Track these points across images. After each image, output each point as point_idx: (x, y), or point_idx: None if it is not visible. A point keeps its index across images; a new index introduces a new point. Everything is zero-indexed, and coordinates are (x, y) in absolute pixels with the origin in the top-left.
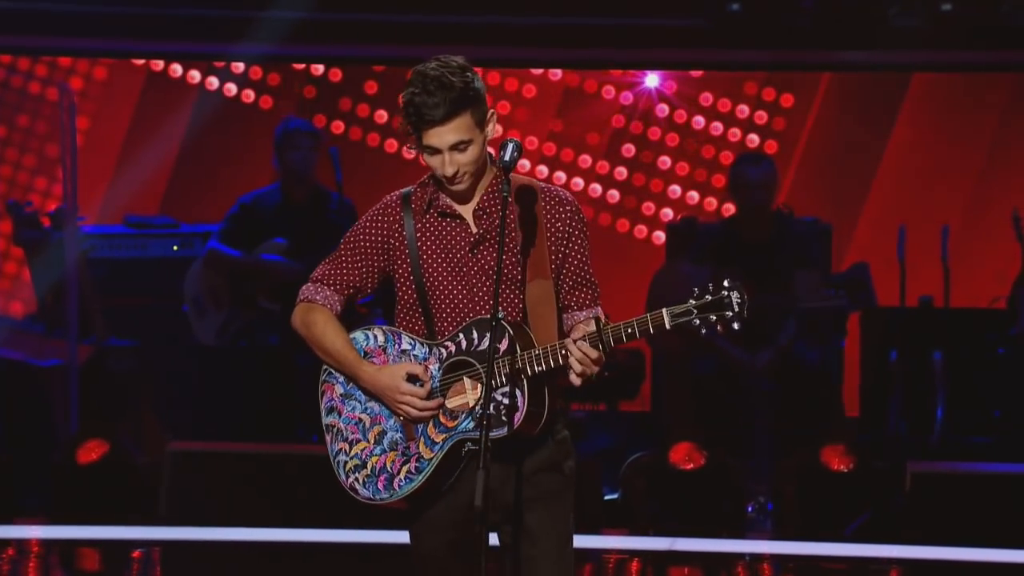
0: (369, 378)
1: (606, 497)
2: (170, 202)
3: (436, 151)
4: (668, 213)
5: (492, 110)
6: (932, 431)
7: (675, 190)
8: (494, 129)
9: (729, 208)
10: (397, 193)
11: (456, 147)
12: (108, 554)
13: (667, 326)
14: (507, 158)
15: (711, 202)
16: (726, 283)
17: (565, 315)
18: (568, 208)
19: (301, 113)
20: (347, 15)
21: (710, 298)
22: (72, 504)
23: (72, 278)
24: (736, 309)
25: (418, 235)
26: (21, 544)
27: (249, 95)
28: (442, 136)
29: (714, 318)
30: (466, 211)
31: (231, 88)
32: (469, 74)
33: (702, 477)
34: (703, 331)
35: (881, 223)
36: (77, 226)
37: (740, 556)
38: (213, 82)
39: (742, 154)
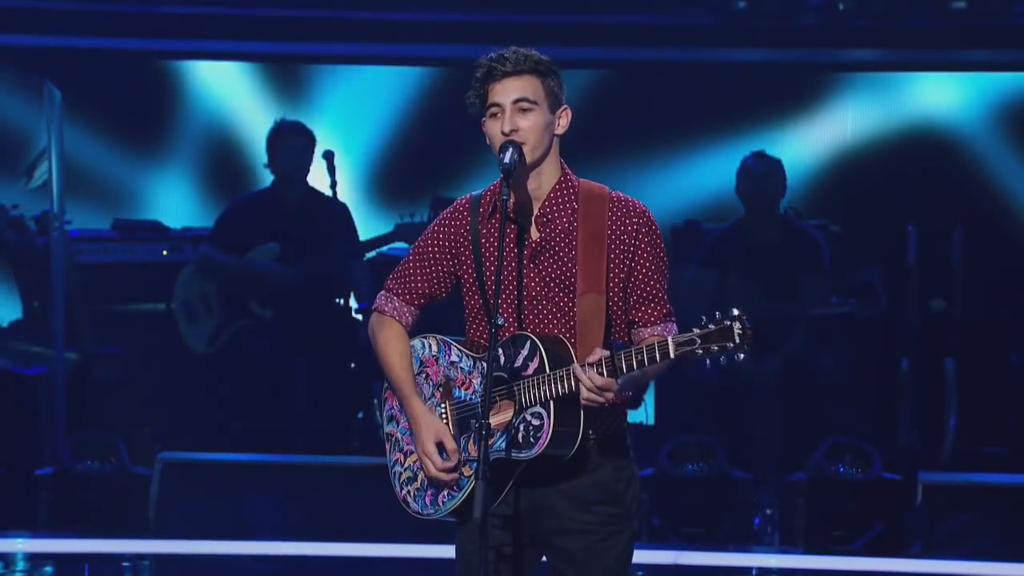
0: (414, 415)
1: None
2: (160, 205)
3: (497, 109)
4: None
5: (567, 106)
6: (944, 441)
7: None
8: (566, 125)
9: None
10: (468, 195)
11: (519, 103)
12: (97, 566)
13: (672, 355)
14: (507, 160)
15: (717, 205)
16: (733, 312)
17: (632, 331)
18: (636, 219)
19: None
20: (340, 13)
21: (713, 328)
22: (60, 515)
23: (59, 284)
24: (738, 341)
25: (483, 240)
26: (5, 557)
27: (243, 94)
28: (506, 88)
29: (716, 348)
30: (529, 217)
31: (224, 87)
32: (548, 59)
33: (707, 488)
34: (707, 362)
35: (892, 227)
36: (64, 230)
37: (747, 570)
38: (205, 81)
39: (748, 154)
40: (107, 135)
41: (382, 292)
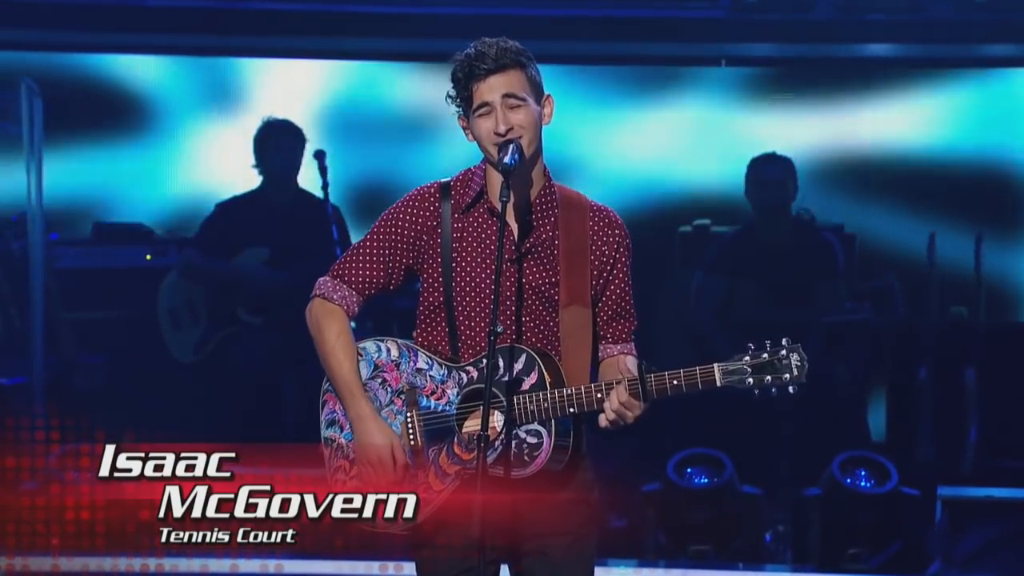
0: (362, 415)
1: (613, 525)
2: (143, 207)
3: (487, 108)
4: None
5: (549, 94)
6: (964, 454)
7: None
8: (550, 114)
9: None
10: (436, 183)
11: (508, 100)
12: None
13: (718, 383)
14: (507, 160)
15: (726, 207)
16: (785, 342)
17: (599, 345)
18: (617, 232)
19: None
20: (336, 8)
21: (766, 357)
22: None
23: (37, 290)
24: (795, 372)
25: (455, 234)
26: None
27: (233, 92)
28: (493, 86)
29: (769, 380)
30: (513, 216)
31: (213, 85)
32: (524, 48)
33: (716, 504)
34: (755, 393)
35: (910, 230)
36: (43, 234)
37: None
38: (191, 78)
39: (758, 154)
40: (87, 135)
41: (326, 277)
